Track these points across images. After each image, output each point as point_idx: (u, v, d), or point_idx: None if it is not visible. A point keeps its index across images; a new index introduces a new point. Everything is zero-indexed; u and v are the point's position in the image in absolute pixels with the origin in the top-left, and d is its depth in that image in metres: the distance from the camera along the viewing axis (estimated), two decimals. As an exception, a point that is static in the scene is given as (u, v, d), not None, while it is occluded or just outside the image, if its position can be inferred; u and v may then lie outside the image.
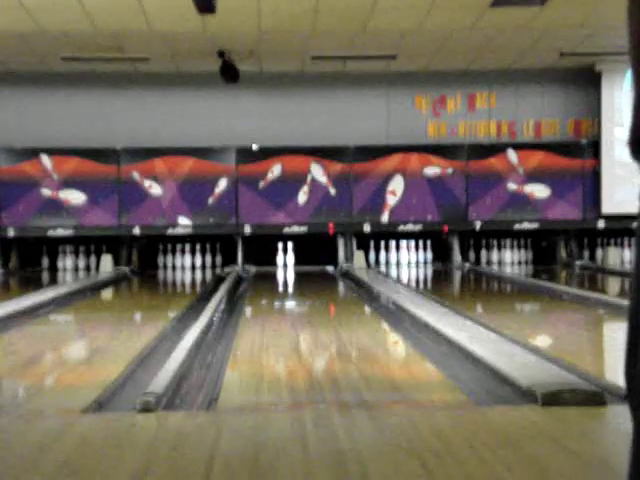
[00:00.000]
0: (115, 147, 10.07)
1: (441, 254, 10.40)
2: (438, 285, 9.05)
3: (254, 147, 10.15)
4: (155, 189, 10.06)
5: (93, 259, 10.22)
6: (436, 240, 10.37)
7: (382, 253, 10.48)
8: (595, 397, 2.91)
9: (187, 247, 10.41)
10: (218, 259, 10.47)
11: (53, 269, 10.20)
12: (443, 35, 8.69)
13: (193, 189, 10.04)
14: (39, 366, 4.08)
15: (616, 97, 10.26)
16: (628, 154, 1.34)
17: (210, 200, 10.09)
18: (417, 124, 10.39)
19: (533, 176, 10.13)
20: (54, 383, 3.66)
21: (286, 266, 10.47)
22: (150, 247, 10.35)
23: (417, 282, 9.05)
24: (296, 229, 10.10)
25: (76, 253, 10.31)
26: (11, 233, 9.92)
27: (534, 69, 10.24)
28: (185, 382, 3.55)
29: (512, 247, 10.66)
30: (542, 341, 4.75)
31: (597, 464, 2.29)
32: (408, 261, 10.42)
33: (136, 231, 10.03)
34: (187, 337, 4.44)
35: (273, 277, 9.77)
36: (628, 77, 10.32)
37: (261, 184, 10.11)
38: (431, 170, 10.09)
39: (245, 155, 10.13)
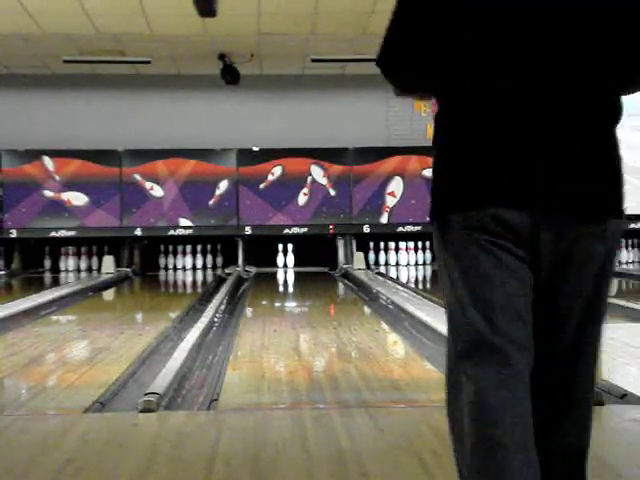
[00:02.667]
0: (117, 149, 10.09)
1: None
2: (437, 286, 9.05)
3: (255, 149, 10.18)
4: (156, 191, 10.09)
5: (95, 260, 10.25)
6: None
7: (381, 254, 10.50)
8: (592, 397, 2.93)
9: (188, 248, 10.44)
10: (219, 260, 10.49)
11: (55, 270, 10.23)
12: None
13: (194, 191, 10.07)
14: (41, 366, 4.10)
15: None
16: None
17: (211, 202, 10.12)
18: (416, 126, 10.41)
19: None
20: (56, 383, 3.68)
21: (286, 267, 10.50)
22: (151, 248, 10.37)
23: (416, 283, 9.08)
24: (296, 230, 10.13)
25: (78, 254, 10.33)
26: (14, 234, 9.95)
27: (533, 71, 10.26)
28: (186, 382, 3.57)
29: (511, 248, 10.66)
30: (540, 342, 4.76)
31: (594, 463, 2.29)
32: (407, 262, 10.44)
33: (138, 232, 10.06)
34: (188, 337, 4.46)
35: (273, 278, 9.79)
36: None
37: (262, 186, 10.14)
38: (430, 172, 10.10)
39: (246, 157, 10.16)
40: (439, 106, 1.61)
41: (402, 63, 1.53)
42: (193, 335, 4.54)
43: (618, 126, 1.68)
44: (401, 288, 7.39)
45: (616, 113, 1.61)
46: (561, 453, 1.51)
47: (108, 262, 9.67)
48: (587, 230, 1.50)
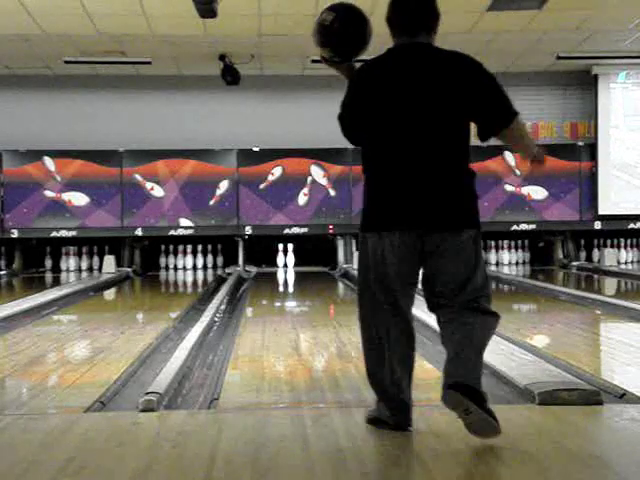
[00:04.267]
0: (117, 149, 10.10)
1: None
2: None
3: (255, 149, 10.19)
4: (157, 191, 10.10)
5: (96, 260, 10.26)
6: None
7: (382, 254, 10.49)
8: (591, 396, 2.94)
9: (189, 248, 10.45)
10: (219, 260, 10.51)
11: (56, 270, 10.24)
12: (440, 39, 8.66)
13: (194, 191, 10.08)
14: (42, 365, 4.11)
15: (612, 99, 10.29)
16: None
17: (211, 202, 10.13)
18: (417, 126, 10.40)
19: (530, 178, 10.16)
20: (57, 382, 3.69)
21: (286, 267, 10.51)
22: (152, 248, 10.39)
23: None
24: (296, 230, 10.14)
25: (79, 254, 10.35)
26: (15, 234, 9.96)
27: (531, 72, 10.27)
28: (187, 381, 3.58)
29: (509, 248, 10.69)
30: (539, 341, 4.79)
31: (593, 462, 2.31)
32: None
33: (138, 232, 10.07)
34: (189, 337, 4.48)
35: (274, 278, 9.80)
36: (622, 78, 10.36)
37: (262, 186, 10.15)
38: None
39: (246, 157, 10.17)
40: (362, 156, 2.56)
41: (350, 136, 2.54)
42: (193, 335, 4.55)
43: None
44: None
45: (464, 157, 2.48)
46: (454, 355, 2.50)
47: (109, 262, 9.68)
48: (453, 238, 2.44)
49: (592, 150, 10.29)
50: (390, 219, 2.45)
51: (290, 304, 7.59)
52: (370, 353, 2.58)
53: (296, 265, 10.47)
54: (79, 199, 10.04)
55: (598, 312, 6.08)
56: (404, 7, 2.48)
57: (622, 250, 10.58)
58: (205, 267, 10.43)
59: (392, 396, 2.53)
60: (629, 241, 10.66)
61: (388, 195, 2.44)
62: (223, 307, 6.27)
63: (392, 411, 2.54)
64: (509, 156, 10.22)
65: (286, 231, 10.16)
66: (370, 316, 2.58)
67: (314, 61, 9.49)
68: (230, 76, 9.36)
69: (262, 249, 10.45)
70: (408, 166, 2.42)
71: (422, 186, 2.41)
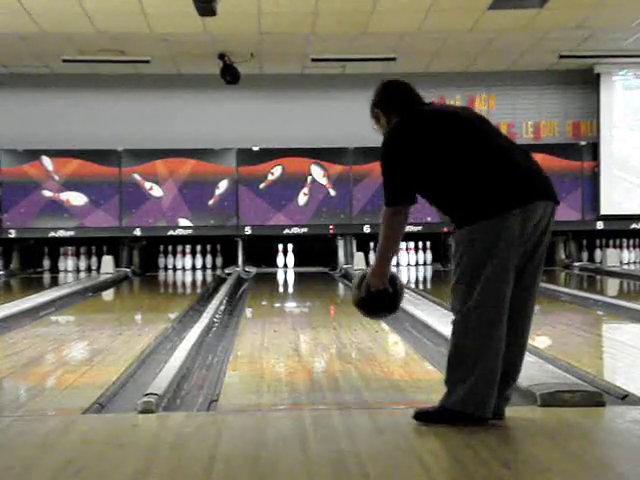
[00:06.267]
0: (116, 149, 10.09)
1: (440, 255, 10.41)
2: (438, 286, 9.05)
3: (255, 149, 10.17)
4: (156, 191, 10.08)
5: (94, 260, 10.24)
6: (435, 241, 10.39)
7: (382, 254, 10.47)
8: (594, 397, 2.93)
9: (188, 248, 10.43)
10: (219, 260, 10.49)
11: (54, 270, 10.22)
12: (442, 37, 8.71)
13: (194, 191, 10.06)
14: (41, 367, 4.10)
15: (614, 99, 10.28)
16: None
17: (211, 201, 10.11)
18: (417, 125, 10.38)
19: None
20: (56, 384, 3.68)
21: (286, 267, 10.49)
22: (151, 248, 10.37)
23: (417, 283, 9.07)
24: (296, 230, 10.12)
25: (77, 254, 10.33)
26: (13, 234, 9.94)
27: (533, 71, 10.26)
28: (186, 383, 3.57)
29: (511, 248, 10.66)
30: (541, 342, 4.76)
31: (595, 464, 2.30)
32: (407, 262, 10.44)
33: (137, 232, 10.06)
34: (188, 338, 4.46)
35: (273, 278, 9.79)
36: (624, 77, 10.34)
37: (261, 186, 10.14)
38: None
39: (245, 157, 10.16)
40: (435, 190, 2.80)
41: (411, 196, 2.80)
42: (193, 335, 4.53)
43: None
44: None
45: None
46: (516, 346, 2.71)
47: (107, 262, 9.66)
48: (554, 211, 2.78)
49: (594, 149, 10.27)
50: (528, 191, 2.72)
51: (290, 305, 7.57)
52: (488, 336, 2.61)
53: (296, 265, 10.45)
54: (77, 199, 10.02)
55: (600, 313, 6.07)
56: (410, 90, 2.97)
57: (624, 250, 10.56)
58: (204, 267, 10.42)
59: (495, 377, 2.60)
60: (631, 241, 10.64)
61: (512, 174, 2.74)
62: (222, 308, 6.25)
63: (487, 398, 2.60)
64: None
65: (286, 231, 10.14)
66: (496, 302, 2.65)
67: (314, 60, 9.49)
68: (229, 75, 9.34)
69: (262, 249, 10.44)
70: (508, 156, 2.79)
71: (528, 166, 2.82)
